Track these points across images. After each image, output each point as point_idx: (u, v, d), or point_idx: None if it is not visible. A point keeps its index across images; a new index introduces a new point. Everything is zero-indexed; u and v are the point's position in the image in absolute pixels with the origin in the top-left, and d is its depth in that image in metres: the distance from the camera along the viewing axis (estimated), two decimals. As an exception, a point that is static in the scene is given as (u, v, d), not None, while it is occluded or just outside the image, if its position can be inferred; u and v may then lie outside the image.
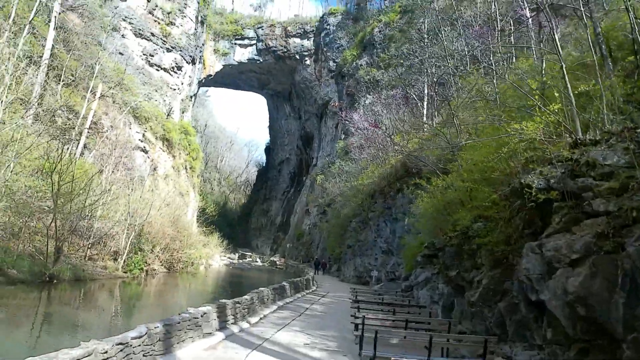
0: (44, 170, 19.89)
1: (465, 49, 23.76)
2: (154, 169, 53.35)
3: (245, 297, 12.26)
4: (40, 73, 36.60)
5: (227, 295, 23.59)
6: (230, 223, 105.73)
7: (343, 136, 64.62)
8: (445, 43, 25.75)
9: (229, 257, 61.76)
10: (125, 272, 25.31)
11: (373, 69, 62.02)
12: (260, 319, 12.54)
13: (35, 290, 17.35)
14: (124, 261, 25.52)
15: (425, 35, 35.15)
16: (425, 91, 33.04)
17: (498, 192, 9.27)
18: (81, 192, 21.54)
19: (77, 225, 24.37)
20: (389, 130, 36.49)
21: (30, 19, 34.23)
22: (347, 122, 54.62)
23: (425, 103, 32.59)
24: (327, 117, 76.86)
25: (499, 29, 22.76)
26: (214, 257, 53.85)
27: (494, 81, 18.16)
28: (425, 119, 31.72)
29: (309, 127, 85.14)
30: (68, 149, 23.34)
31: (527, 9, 22.25)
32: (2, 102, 21.09)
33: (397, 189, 30.06)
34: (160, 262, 31.76)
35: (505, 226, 9.05)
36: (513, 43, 23.74)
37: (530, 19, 21.30)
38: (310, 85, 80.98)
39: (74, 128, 32.83)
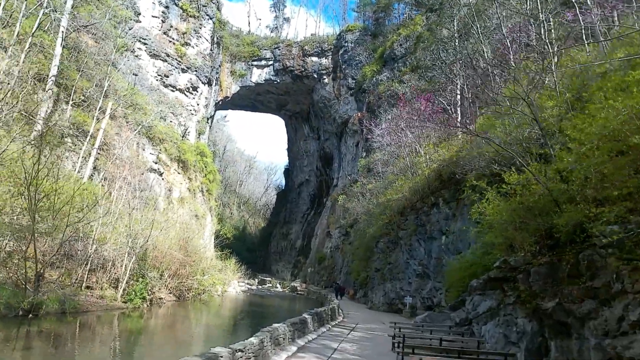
0: (20, 183, 17.18)
1: (508, 41, 20.54)
2: (169, 191, 51.33)
3: (252, 340, 9.04)
4: (48, 90, 35.04)
5: (240, 330, 20.26)
6: (249, 248, 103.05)
7: (364, 154, 62.08)
8: (480, 37, 22.61)
9: (247, 283, 58.57)
10: (125, 302, 22.29)
11: (394, 82, 59.55)
12: None
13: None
14: (124, 290, 22.53)
15: (456, 35, 32.13)
16: (458, 96, 29.83)
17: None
18: (70, 209, 18.70)
19: (71, 248, 21.63)
20: (413, 145, 33.29)
21: (32, 31, 32.61)
22: (369, 137, 51.67)
23: (458, 108, 29.34)
24: (347, 136, 74.61)
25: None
26: (231, 284, 50.78)
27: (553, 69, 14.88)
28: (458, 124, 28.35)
29: (329, 147, 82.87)
30: (47, 157, 20.72)
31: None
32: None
33: (431, 203, 26.62)
34: (169, 290, 28.75)
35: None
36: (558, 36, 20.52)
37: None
38: (329, 104, 79.10)
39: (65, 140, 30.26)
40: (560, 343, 7.87)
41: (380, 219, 34.27)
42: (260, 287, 60.06)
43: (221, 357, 7.04)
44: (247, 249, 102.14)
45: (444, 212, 25.17)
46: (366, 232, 38.35)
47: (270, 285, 63.73)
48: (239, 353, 8.02)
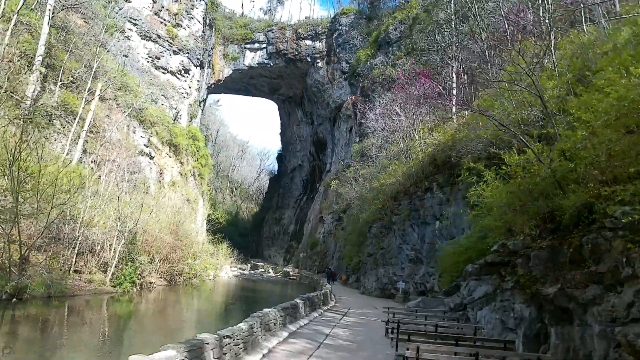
0: (3, 162, 16.54)
1: (506, 22, 20.03)
2: (161, 175, 50.67)
3: (241, 325, 8.68)
4: (34, 70, 34.12)
5: (231, 315, 19.95)
6: (242, 233, 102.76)
7: (358, 139, 61.64)
8: (478, 19, 22.07)
9: (239, 268, 58.34)
10: (114, 286, 21.89)
11: (389, 67, 58.86)
12: (263, 356, 8.95)
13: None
14: (113, 274, 22.12)
15: (453, 17, 31.49)
16: (454, 79, 29.33)
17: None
18: (54, 190, 18.16)
19: (59, 232, 21.13)
20: (408, 129, 32.79)
21: (18, 9, 31.58)
22: (362, 122, 51.17)
23: (454, 91, 28.85)
24: (340, 121, 74.08)
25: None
26: (223, 268, 50.56)
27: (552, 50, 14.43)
28: (454, 109, 27.96)
29: (322, 132, 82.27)
30: (31, 136, 20.10)
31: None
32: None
33: (425, 188, 26.31)
34: (160, 274, 28.38)
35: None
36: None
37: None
38: (322, 88, 78.32)
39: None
40: (561, 330, 7.58)
41: (373, 203, 33.95)
42: (252, 272, 59.90)
43: (207, 344, 6.66)
44: (239, 234, 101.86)
45: (438, 197, 24.89)
46: (359, 217, 38.07)
47: (263, 270, 63.62)
48: (227, 339, 7.66)
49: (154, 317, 18.14)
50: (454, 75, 29.03)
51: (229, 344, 7.57)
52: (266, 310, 11.13)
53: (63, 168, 20.59)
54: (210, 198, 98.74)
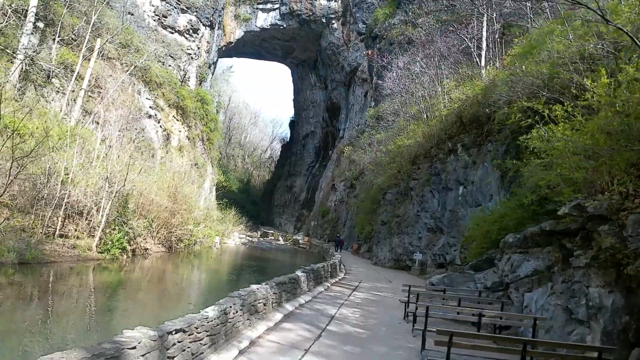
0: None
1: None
2: (167, 139, 48.61)
3: (208, 312, 6.25)
4: (27, 23, 31.80)
5: (224, 287, 17.78)
6: (253, 200, 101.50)
7: (373, 104, 58.73)
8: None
9: (248, 236, 56.67)
10: (101, 253, 19.89)
11: (408, 27, 55.13)
12: (240, 353, 6.63)
13: None
14: (100, 239, 20.09)
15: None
16: (484, 33, 26.06)
17: None
18: (13, 143, 15.96)
19: (42, 192, 19.08)
20: (429, 86, 29.77)
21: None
22: (379, 83, 48.10)
23: (484, 46, 25.62)
24: (355, 85, 71.00)
25: None
26: (231, 236, 48.84)
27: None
28: (483, 62, 24.89)
29: (336, 97, 79.25)
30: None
31: None
32: None
33: (448, 150, 23.61)
34: (158, 240, 26.45)
35: None
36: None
37: None
38: (337, 51, 74.90)
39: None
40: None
41: (389, 168, 31.34)
42: (262, 239, 58.21)
43: (131, 348, 4.47)
44: (251, 201, 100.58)
45: (463, 160, 22.21)
46: (373, 183, 35.57)
47: (272, 238, 61.98)
48: (177, 336, 5.22)
49: (127, 292, 15.41)
50: (485, 25, 25.71)
51: (180, 341, 5.26)
52: (254, 287, 8.76)
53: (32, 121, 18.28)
54: (222, 165, 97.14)
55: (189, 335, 5.44)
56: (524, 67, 13.09)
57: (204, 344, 5.89)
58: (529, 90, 11.75)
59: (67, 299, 12.53)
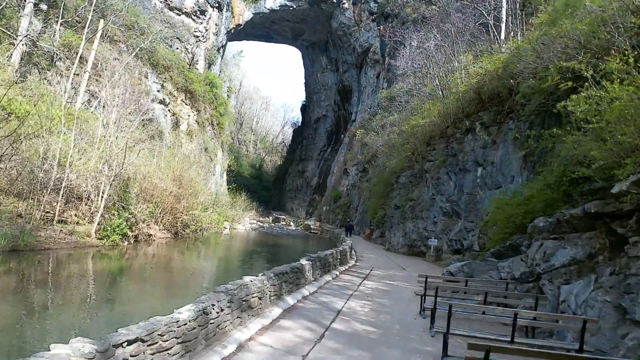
0: None
1: None
2: (176, 124, 47.75)
3: (182, 313, 4.99)
4: (27, 4, 30.99)
5: (225, 276, 16.80)
6: (265, 186, 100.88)
7: (386, 85, 57.10)
8: None
9: (259, 221, 55.88)
10: (101, 239, 19.01)
11: (422, 4, 53.12)
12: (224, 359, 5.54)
13: None
14: (99, 224, 19.20)
15: None
16: (504, 4, 24.35)
17: None
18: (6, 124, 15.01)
19: (38, 176, 18.21)
20: (444, 62, 28.12)
21: None
22: (391, 62, 46.40)
23: (503, 17, 23.92)
24: (367, 67, 69.35)
25: None
26: (242, 221, 48.05)
27: None
28: (503, 36, 23.25)
29: (347, 79, 77.60)
30: None
31: None
32: None
33: (465, 129, 22.15)
34: (162, 226, 25.60)
35: None
36: None
37: None
38: (348, 31, 73.06)
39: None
40: None
41: (402, 149, 29.91)
42: (273, 225, 57.34)
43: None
44: (263, 187, 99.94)
45: (482, 139, 20.77)
46: (385, 166, 34.20)
47: (284, 223, 61.11)
48: (129, 348, 4.06)
49: (120, 282, 14.34)
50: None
51: (135, 355, 4.11)
52: (247, 279, 7.60)
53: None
54: (234, 151, 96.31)
55: (149, 345, 4.33)
56: (555, 30, 11.61)
57: (174, 354, 4.77)
58: (564, 54, 10.32)
59: (49, 290, 11.52)
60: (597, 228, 7.12)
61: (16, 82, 25.59)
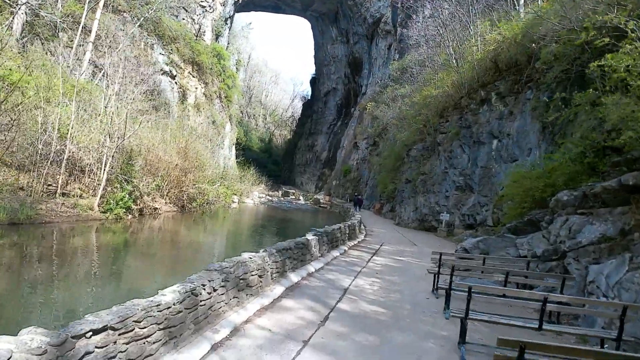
0: None
1: None
2: (183, 96, 47.00)
3: (164, 293, 4.50)
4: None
5: (230, 251, 16.38)
6: (275, 160, 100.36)
7: (397, 56, 55.55)
8: None
9: (268, 195, 55.50)
10: (104, 212, 18.63)
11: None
12: (212, 349, 4.98)
13: None
14: (102, 197, 18.79)
15: None
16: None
17: None
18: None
19: (37, 148, 17.76)
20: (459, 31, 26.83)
21: None
22: (404, 31, 44.82)
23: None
24: (378, 38, 67.50)
25: None
26: (251, 195, 47.68)
27: None
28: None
29: (358, 51, 75.70)
30: None
31: None
32: None
33: (480, 99, 21.18)
34: (169, 200, 25.21)
35: None
36: None
37: None
38: (359, 1, 70.83)
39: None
40: None
41: (414, 121, 28.95)
42: (282, 199, 56.97)
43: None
44: (273, 161, 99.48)
45: (498, 110, 19.83)
46: (396, 140, 33.29)
47: (293, 197, 60.71)
48: (95, 338, 3.45)
49: (121, 256, 13.82)
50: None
51: (103, 346, 3.44)
52: (245, 255, 7.04)
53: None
54: (243, 124, 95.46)
55: (122, 334, 3.77)
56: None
57: (155, 342, 4.23)
58: (594, 13, 9.37)
59: (41, 265, 11.08)
60: (633, 202, 6.43)
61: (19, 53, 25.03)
